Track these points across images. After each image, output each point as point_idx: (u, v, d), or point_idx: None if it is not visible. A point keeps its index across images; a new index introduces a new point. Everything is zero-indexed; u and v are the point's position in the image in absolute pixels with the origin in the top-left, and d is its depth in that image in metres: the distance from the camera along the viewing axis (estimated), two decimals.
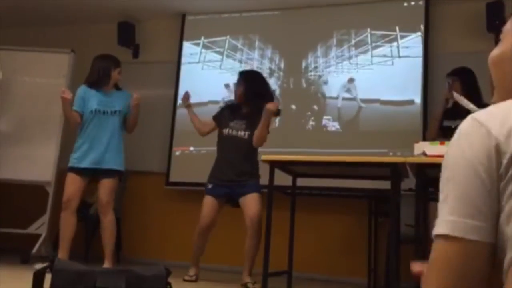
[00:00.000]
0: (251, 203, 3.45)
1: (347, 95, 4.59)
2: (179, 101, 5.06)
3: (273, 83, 4.83)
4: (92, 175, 3.75)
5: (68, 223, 3.64)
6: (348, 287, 3.97)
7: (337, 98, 4.62)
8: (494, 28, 4.08)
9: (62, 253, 3.58)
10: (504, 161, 0.65)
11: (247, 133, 3.60)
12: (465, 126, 0.69)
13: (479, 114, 0.69)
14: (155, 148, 5.05)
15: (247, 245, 3.47)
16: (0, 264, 3.82)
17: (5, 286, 2.85)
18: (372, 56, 4.56)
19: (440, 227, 0.68)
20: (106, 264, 3.65)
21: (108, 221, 3.70)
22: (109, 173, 3.72)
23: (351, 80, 4.57)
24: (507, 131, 0.65)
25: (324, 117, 4.63)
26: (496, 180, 0.65)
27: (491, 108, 0.70)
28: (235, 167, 3.56)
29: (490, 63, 0.80)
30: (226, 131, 3.66)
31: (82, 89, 3.81)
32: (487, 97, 3.41)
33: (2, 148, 4.57)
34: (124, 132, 3.89)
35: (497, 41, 3.95)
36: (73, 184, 3.67)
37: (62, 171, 4.38)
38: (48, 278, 1.71)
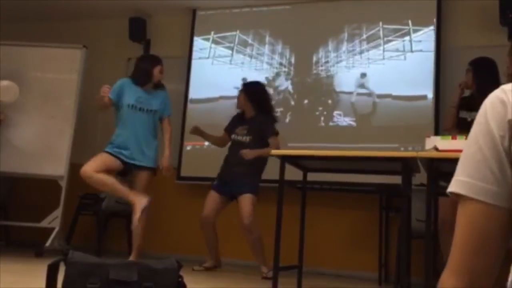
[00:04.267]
0: (242, 203, 3.76)
1: (359, 90, 4.57)
2: (190, 96, 5.08)
3: (283, 79, 4.83)
4: (125, 167, 3.75)
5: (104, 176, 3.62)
6: (359, 282, 3.97)
7: (347, 93, 4.60)
8: (507, 21, 4.03)
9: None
10: None
11: (248, 137, 3.90)
12: (493, 94, 0.71)
13: (508, 86, 0.71)
14: None
15: (248, 244, 3.82)
16: (14, 257, 3.88)
17: (20, 279, 2.90)
18: (384, 51, 4.54)
19: (456, 186, 0.72)
20: (132, 258, 3.64)
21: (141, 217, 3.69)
22: (141, 168, 3.75)
23: (363, 75, 4.55)
24: None
25: (335, 112, 4.61)
26: (509, 153, 0.67)
27: None
28: (237, 168, 3.85)
29: None
30: (233, 136, 4.01)
31: (125, 81, 3.83)
32: None
33: (15, 143, 4.62)
34: (159, 131, 3.90)
35: (510, 35, 3.92)
36: (107, 159, 3.67)
37: (74, 166, 4.43)
38: (62, 270, 1.74)
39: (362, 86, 4.55)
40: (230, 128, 4.09)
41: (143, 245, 3.75)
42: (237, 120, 4.07)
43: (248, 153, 3.80)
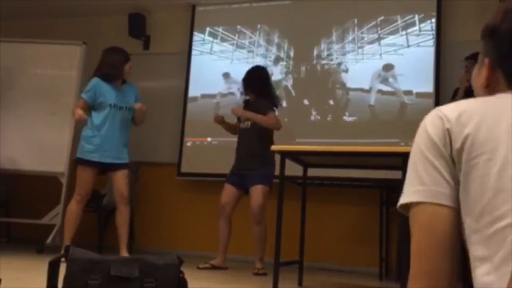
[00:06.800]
0: (254, 194, 3.74)
1: (367, 86, 4.55)
2: (190, 92, 5.08)
3: (285, 72, 4.82)
4: (102, 168, 3.79)
5: (78, 215, 3.72)
6: (360, 277, 3.98)
7: (347, 88, 4.59)
8: None
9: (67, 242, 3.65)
10: (455, 148, 0.74)
11: (249, 122, 3.85)
12: (430, 113, 0.80)
13: (443, 106, 0.80)
14: (166, 139, 5.07)
15: (253, 234, 3.75)
16: (15, 254, 3.89)
17: (21, 275, 2.91)
18: (410, 42, 4.53)
19: (411, 196, 0.77)
20: (124, 253, 3.70)
21: (127, 212, 3.80)
22: (122, 166, 3.79)
23: (388, 68, 4.46)
24: (458, 119, 0.74)
25: (335, 107, 4.61)
26: (451, 160, 0.75)
27: (455, 103, 0.79)
28: (245, 157, 3.84)
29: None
30: (240, 125, 3.95)
31: (96, 81, 3.79)
32: None
33: (15, 140, 4.62)
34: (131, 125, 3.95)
35: None
36: (88, 177, 3.72)
37: (75, 162, 4.43)
38: (63, 267, 1.74)
39: (387, 81, 4.48)
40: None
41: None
42: (244, 108, 3.98)
43: (239, 110, 3.85)
